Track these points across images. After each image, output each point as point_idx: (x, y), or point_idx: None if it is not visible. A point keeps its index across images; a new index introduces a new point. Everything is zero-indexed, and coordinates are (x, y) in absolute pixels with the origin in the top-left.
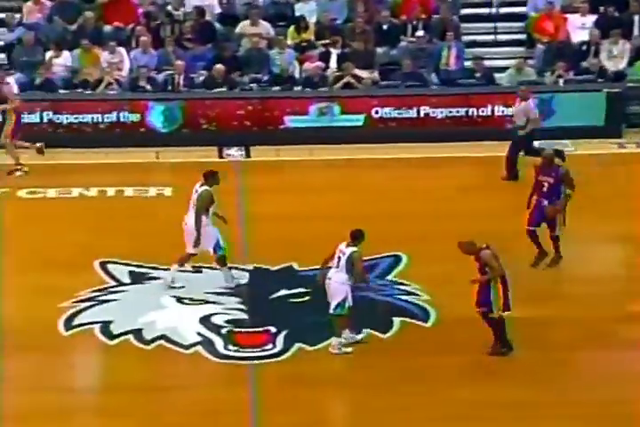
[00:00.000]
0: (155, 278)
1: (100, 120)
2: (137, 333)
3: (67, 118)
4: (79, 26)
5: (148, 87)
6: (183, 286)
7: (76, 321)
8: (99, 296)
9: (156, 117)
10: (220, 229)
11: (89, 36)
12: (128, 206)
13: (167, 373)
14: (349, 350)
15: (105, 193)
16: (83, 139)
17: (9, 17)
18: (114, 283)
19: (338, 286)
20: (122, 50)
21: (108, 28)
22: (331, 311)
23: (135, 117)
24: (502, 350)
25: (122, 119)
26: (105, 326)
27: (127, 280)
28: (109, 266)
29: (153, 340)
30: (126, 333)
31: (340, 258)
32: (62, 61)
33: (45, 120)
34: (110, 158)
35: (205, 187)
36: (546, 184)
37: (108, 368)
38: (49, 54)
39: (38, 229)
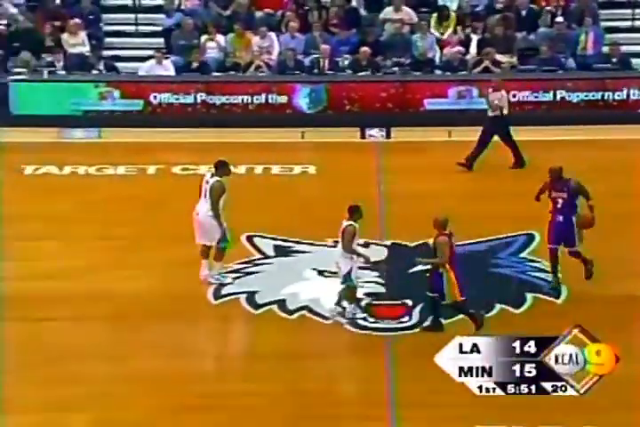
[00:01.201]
0: (298, 252)
1: (250, 101)
2: (280, 303)
3: (219, 99)
4: (233, 11)
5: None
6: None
7: (224, 291)
8: (245, 268)
9: (302, 99)
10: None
11: (242, 21)
12: (274, 183)
13: (308, 342)
14: (344, 320)
15: (253, 170)
16: (233, 119)
17: (167, 3)
18: (259, 256)
19: (343, 259)
20: (272, 34)
21: (259, 13)
22: (339, 282)
23: (282, 99)
24: (476, 330)
25: (270, 101)
26: (250, 296)
27: (272, 253)
28: (255, 240)
29: (296, 310)
30: (270, 303)
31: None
32: (216, 45)
33: (199, 101)
34: (258, 138)
35: (216, 178)
36: (560, 200)
37: (252, 336)
38: (204, 38)
39: (191, 204)
